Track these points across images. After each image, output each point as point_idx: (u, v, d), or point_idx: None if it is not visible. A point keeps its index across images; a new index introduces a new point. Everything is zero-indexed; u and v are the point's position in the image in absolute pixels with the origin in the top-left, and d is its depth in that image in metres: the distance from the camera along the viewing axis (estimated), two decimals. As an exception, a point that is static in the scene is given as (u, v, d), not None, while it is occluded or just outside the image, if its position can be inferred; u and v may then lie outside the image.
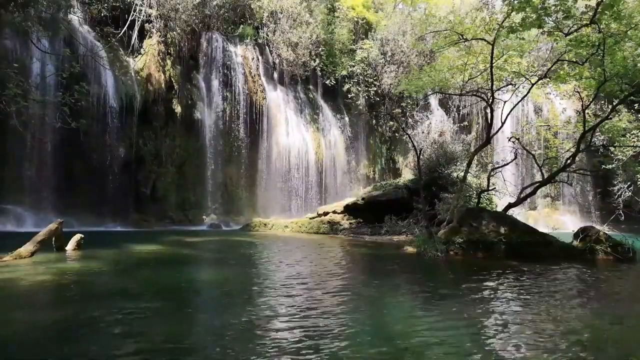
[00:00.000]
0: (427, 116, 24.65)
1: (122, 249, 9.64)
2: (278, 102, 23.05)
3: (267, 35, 23.27)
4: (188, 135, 20.28)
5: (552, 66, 12.05)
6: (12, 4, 12.68)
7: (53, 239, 8.29)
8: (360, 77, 25.34)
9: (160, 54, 19.79)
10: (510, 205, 11.87)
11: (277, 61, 23.60)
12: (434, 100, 27.06)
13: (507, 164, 13.68)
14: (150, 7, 19.45)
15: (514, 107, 13.73)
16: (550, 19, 10.53)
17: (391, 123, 26.08)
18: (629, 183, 19.04)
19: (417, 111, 25.53)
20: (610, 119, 13.16)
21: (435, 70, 14.17)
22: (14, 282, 5.71)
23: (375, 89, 25.50)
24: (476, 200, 13.37)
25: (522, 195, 12.22)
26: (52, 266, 7.02)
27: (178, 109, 19.93)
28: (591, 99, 13.12)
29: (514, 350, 3.55)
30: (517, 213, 15.53)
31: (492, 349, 3.58)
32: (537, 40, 13.38)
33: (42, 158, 15.98)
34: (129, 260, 8.35)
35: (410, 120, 25.25)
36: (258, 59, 22.90)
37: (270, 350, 3.38)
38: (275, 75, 23.75)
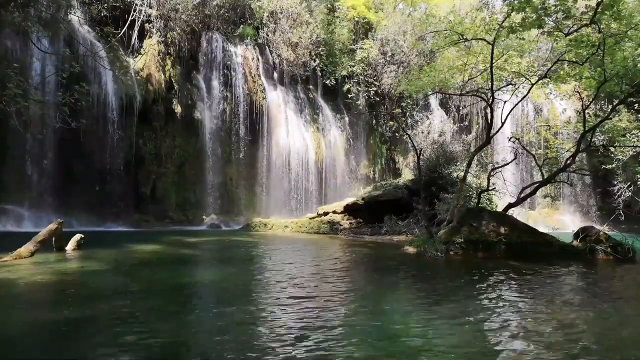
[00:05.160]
0: (427, 116, 24.64)
1: (122, 249, 9.64)
2: (278, 102, 23.04)
3: (267, 35, 23.26)
4: (188, 135, 20.28)
5: (552, 66, 12.06)
6: (12, 4, 12.68)
7: (53, 239, 8.29)
8: (360, 77, 25.33)
9: (160, 54, 19.79)
10: (510, 205, 11.88)
11: (277, 61, 23.59)
12: (434, 100, 27.05)
13: (507, 164, 13.68)
14: (150, 7, 19.44)
15: (514, 107, 13.72)
16: (550, 19, 10.54)
17: (391, 123, 26.07)
18: (629, 183, 19.04)
19: (417, 111, 25.53)
20: (610, 119, 13.17)
21: (435, 70, 14.17)
22: (14, 282, 5.71)
23: (375, 89, 25.48)
24: (476, 200, 13.36)
25: (522, 195, 12.22)
26: (52, 266, 7.02)
27: (178, 109, 19.93)
28: (591, 99, 13.12)
29: (514, 350, 3.54)
30: (517, 213, 15.54)
31: (492, 349, 3.58)
32: (537, 40, 13.39)
33: (42, 158, 15.98)
34: (129, 260, 8.35)
35: (410, 120, 25.25)
36: (258, 59, 22.90)
37: (270, 350, 3.38)
38: (275, 75, 23.75)
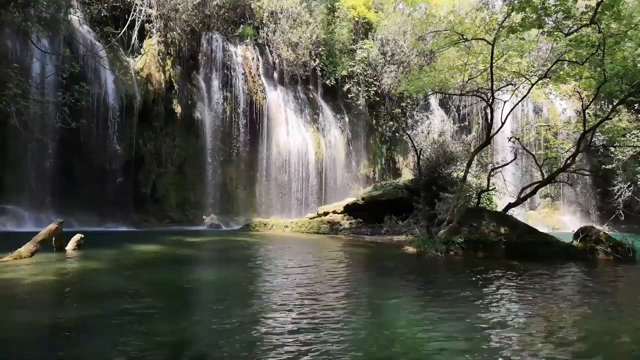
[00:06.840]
0: (427, 116, 24.66)
1: (122, 249, 9.64)
2: (278, 102, 23.05)
3: (267, 35, 23.27)
4: (188, 135, 20.29)
5: (552, 66, 12.06)
6: (12, 4, 12.67)
7: (53, 239, 8.29)
8: (360, 77, 25.34)
9: (160, 54, 19.80)
10: (510, 205, 11.88)
11: (277, 61, 23.60)
12: (434, 100, 27.06)
13: (507, 164, 13.69)
14: (150, 7, 19.44)
15: (514, 107, 13.72)
16: (550, 19, 10.55)
17: (391, 123, 26.08)
18: (629, 183, 19.03)
19: (417, 111, 25.54)
20: (610, 119, 13.16)
21: (435, 70, 14.17)
22: (14, 282, 5.71)
23: (375, 89, 25.50)
24: (476, 200, 13.37)
25: (522, 195, 12.22)
26: (52, 266, 7.02)
27: (178, 109, 19.93)
28: (591, 99, 13.11)
29: (514, 350, 3.54)
30: (517, 213, 15.53)
31: (492, 349, 3.58)
32: (537, 40, 13.40)
33: (42, 158, 15.97)
34: (129, 260, 8.34)
35: (410, 120, 25.26)
36: (258, 59, 22.90)
37: (270, 350, 3.38)
38: (275, 75, 23.75)
